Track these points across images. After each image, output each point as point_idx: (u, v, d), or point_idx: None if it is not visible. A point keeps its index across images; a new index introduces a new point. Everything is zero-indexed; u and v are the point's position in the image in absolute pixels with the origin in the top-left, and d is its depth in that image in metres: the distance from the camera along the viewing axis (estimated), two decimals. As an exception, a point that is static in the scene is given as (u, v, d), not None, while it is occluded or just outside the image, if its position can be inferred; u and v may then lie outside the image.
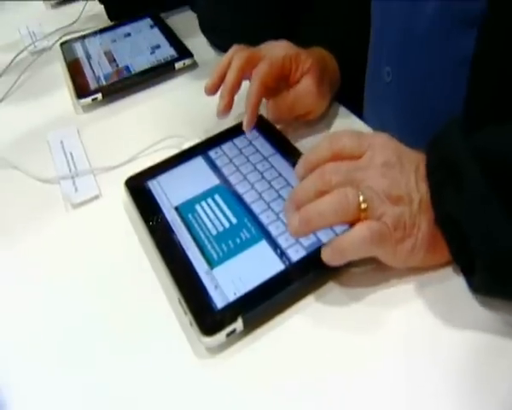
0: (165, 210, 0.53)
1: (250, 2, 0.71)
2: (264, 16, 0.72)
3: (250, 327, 0.43)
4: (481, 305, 0.41)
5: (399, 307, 0.42)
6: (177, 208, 0.53)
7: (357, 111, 0.65)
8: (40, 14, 1.05)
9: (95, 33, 0.90)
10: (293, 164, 0.48)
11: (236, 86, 0.57)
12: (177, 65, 0.78)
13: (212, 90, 0.59)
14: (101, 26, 0.93)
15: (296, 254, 0.46)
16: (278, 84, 0.58)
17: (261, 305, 0.42)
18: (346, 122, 0.63)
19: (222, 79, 0.58)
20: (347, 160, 0.42)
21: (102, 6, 0.96)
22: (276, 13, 0.72)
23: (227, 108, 0.57)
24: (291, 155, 0.56)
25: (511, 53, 0.38)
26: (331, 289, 0.45)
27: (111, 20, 0.96)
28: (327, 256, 0.41)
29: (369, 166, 0.41)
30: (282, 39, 0.61)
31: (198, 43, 0.83)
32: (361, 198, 0.39)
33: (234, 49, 0.60)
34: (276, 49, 0.59)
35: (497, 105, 0.40)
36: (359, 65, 0.64)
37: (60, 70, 0.85)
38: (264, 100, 0.58)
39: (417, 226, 0.39)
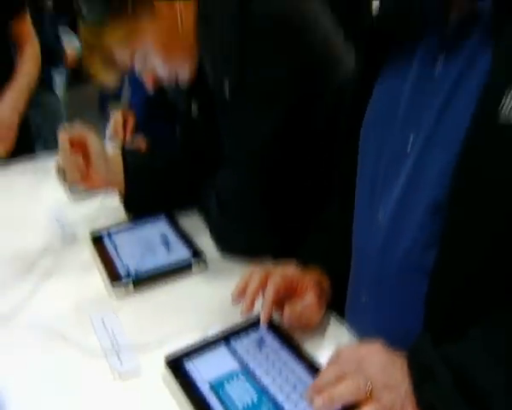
0: (201, 386, 0.69)
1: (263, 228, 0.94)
2: (273, 235, 0.95)
3: None
4: None
5: None
6: (211, 386, 0.69)
7: (340, 315, 0.85)
8: (65, 205, 1.25)
9: (118, 226, 1.10)
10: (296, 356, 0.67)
11: (256, 296, 0.77)
12: (194, 266, 0.97)
13: (237, 301, 0.78)
14: (121, 219, 1.13)
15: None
16: (288, 293, 0.78)
17: None
18: (332, 328, 0.82)
19: (243, 292, 0.77)
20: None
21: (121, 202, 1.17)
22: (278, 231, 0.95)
23: (249, 310, 0.76)
24: (296, 350, 0.75)
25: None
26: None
27: (129, 218, 1.15)
28: None
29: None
30: (291, 261, 0.82)
31: (206, 242, 1.03)
32: (368, 386, 0.58)
33: (251, 271, 0.80)
34: (287, 269, 0.80)
35: (453, 322, 0.61)
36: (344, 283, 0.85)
37: (90, 256, 1.03)
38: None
39: (405, 408, 0.58)
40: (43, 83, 1.89)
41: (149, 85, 1.00)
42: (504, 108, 0.58)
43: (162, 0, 0.89)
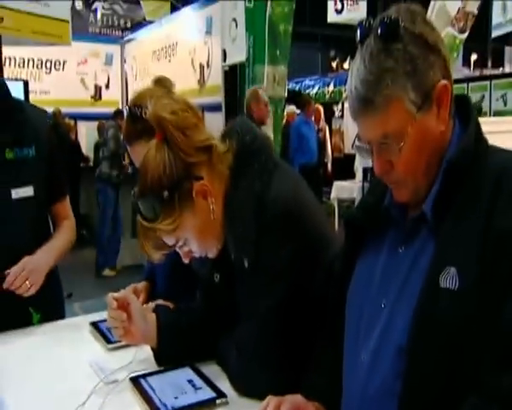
0: None
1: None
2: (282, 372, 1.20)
3: None
4: None
5: None
6: None
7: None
8: (101, 353, 1.48)
9: (151, 372, 1.33)
10: None
11: None
12: (217, 402, 1.20)
13: None
14: (152, 365, 1.36)
15: None
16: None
17: None
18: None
19: None
20: None
21: (150, 351, 1.40)
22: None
23: None
24: None
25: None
26: None
27: (158, 365, 1.39)
28: None
29: None
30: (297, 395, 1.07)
31: (225, 386, 1.26)
32: None
33: (268, 398, 1.04)
34: (296, 398, 1.04)
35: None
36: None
37: (130, 396, 1.25)
38: None
39: None
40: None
41: (186, 260, 1.30)
42: (443, 278, 0.89)
43: (199, 198, 1.23)
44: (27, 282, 1.58)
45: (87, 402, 1.23)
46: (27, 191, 1.67)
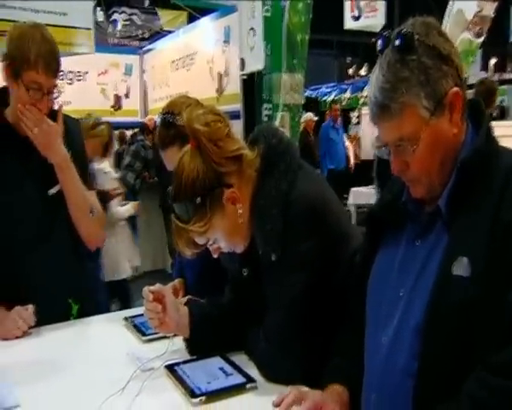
0: None
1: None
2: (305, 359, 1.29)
3: None
4: None
5: None
6: None
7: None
8: (136, 345, 1.60)
9: (184, 360, 1.43)
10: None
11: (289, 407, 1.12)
12: (247, 387, 1.30)
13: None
14: (184, 355, 1.46)
15: None
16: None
17: None
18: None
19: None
20: None
21: (183, 342, 1.50)
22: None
23: None
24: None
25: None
26: None
27: (190, 355, 1.48)
28: None
29: None
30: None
31: (253, 373, 1.36)
32: None
33: (290, 388, 1.15)
34: (316, 394, 1.15)
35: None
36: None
37: (166, 382, 1.35)
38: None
39: None
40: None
41: (215, 255, 1.41)
42: (455, 266, 0.99)
43: (228, 204, 1.33)
44: None
45: (126, 388, 1.33)
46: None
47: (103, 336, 1.71)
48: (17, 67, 1.62)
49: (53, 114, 1.75)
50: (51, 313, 1.73)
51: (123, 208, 4.02)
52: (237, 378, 1.33)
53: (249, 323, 1.45)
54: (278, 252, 1.31)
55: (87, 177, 1.92)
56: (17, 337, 1.66)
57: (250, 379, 1.32)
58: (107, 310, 1.81)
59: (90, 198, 1.86)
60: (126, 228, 4.13)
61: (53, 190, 1.78)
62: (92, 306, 1.94)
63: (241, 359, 1.45)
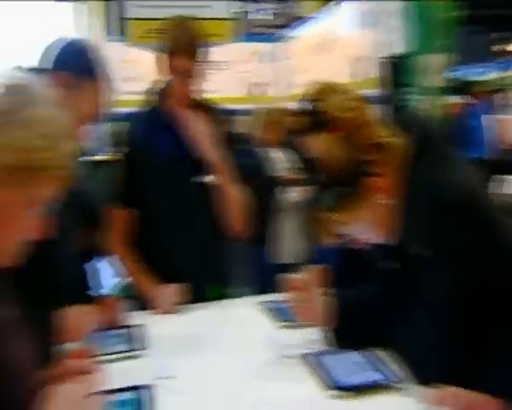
0: None
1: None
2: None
3: None
4: None
5: None
6: None
7: None
8: (272, 330, 1.62)
9: (323, 350, 1.40)
10: None
11: None
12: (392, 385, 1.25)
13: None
14: (320, 346, 1.44)
15: None
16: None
17: None
18: None
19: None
20: None
21: (318, 333, 1.48)
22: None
23: None
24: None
25: None
26: None
27: (331, 346, 1.46)
28: None
29: None
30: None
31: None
32: None
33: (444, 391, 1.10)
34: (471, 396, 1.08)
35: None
36: None
37: (303, 369, 1.34)
38: None
39: None
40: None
41: (358, 245, 1.37)
42: None
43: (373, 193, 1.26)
44: None
45: (262, 372, 1.35)
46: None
47: (238, 320, 1.76)
48: (168, 55, 1.85)
49: (196, 104, 1.93)
50: (199, 293, 1.86)
51: (294, 194, 4.10)
52: (376, 375, 1.28)
53: (396, 319, 1.38)
54: (428, 246, 1.23)
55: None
56: (169, 313, 1.80)
57: (392, 378, 1.27)
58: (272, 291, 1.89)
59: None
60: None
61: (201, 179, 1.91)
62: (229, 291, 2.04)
63: (381, 356, 1.39)
